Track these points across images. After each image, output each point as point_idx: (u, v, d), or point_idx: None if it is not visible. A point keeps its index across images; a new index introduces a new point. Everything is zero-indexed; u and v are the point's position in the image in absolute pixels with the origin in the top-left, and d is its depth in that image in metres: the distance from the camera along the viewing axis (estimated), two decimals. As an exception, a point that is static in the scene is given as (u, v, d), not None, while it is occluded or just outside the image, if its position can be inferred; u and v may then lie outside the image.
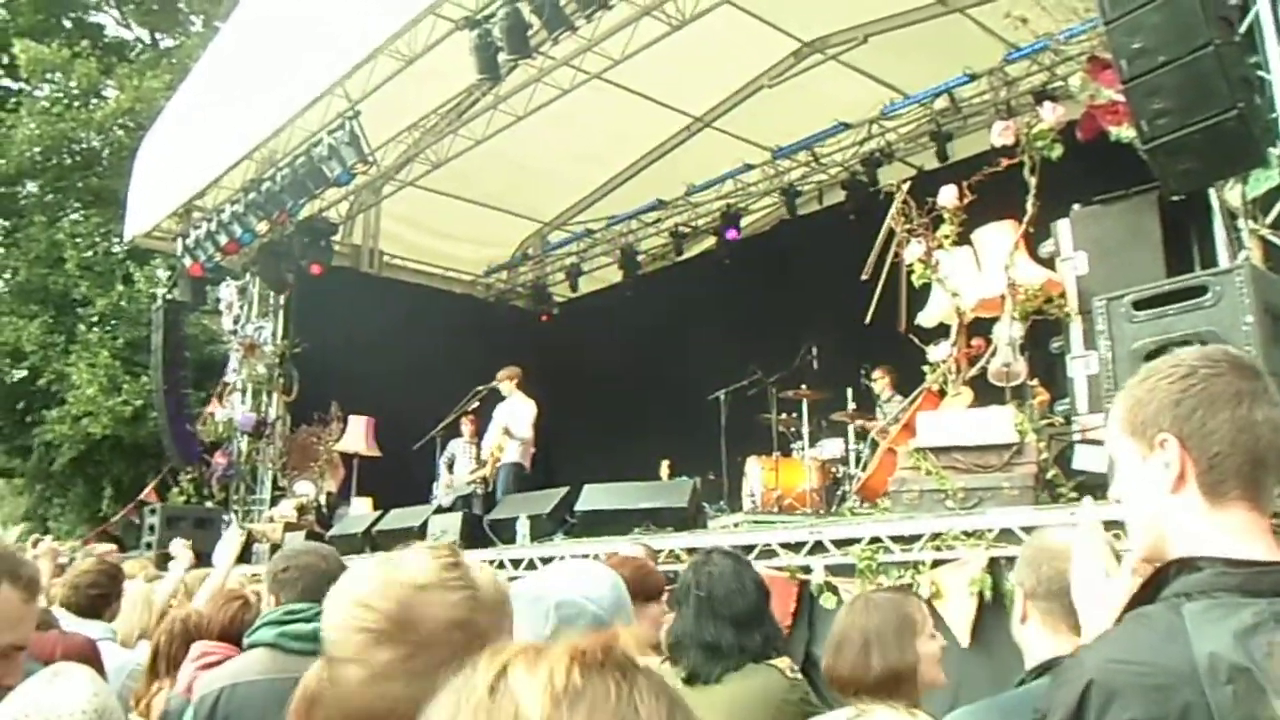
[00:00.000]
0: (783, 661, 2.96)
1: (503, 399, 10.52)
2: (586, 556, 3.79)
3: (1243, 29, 5.19)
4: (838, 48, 11.17)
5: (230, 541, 5.28)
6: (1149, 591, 1.38)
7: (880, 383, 9.39)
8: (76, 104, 19.75)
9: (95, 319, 18.33)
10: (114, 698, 1.93)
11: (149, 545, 10.67)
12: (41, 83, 20.09)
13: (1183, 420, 1.41)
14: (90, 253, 19.16)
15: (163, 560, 7.72)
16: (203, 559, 6.51)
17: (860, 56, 11.08)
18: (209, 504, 12.25)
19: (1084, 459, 5.12)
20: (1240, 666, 1.20)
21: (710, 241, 13.48)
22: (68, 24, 21.81)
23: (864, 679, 2.51)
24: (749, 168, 12.36)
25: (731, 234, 12.94)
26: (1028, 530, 4.28)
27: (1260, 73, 5.18)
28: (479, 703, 0.77)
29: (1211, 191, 5.43)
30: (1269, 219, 5.28)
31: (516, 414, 10.32)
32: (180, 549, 6.19)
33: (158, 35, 23.34)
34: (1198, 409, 1.40)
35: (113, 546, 9.89)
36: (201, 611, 3.74)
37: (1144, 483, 1.45)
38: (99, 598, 4.11)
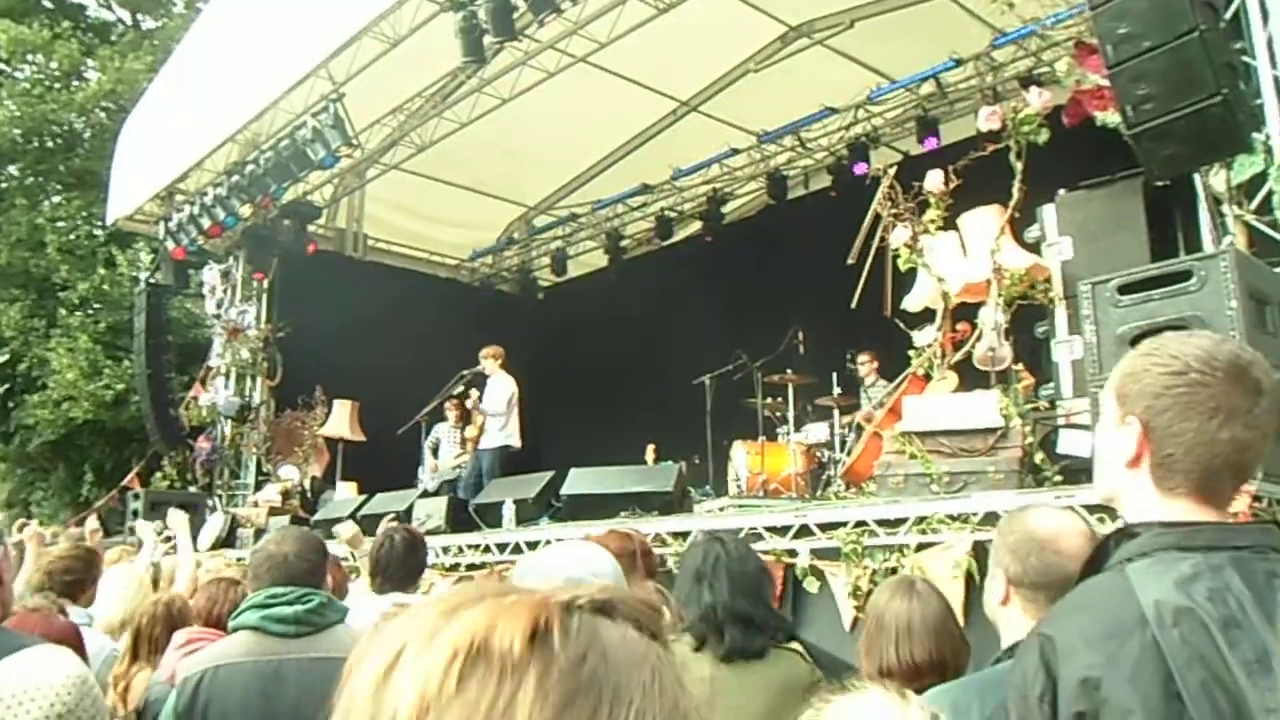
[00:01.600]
0: (797, 646, 2.90)
1: (486, 379, 10.48)
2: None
3: (1228, 15, 5.20)
4: (824, 32, 11.16)
5: (191, 523, 5.26)
6: (1093, 566, 1.48)
7: (865, 368, 9.39)
8: (57, 86, 19.54)
9: (76, 303, 18.17)
10: (94, 680, 1.91)
11: (132, 530, 10.62)
12: (21, 64, 19.88)
13: (1154, 414, 1.46)
14: (72, 236, 18.96)
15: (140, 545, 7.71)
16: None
17: (846, 41, 11.07)
18: (192, 489, 12.20)
19: (1068, 443, 5.14)
20: (1184, 608, 1.30)
21: (695, 225, 13.46)
22: (48, 4, 21.54)
23: (923, 665, 2.44)
24: (735, 152, 12.31)
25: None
26: (1012, 514, 4.29)
27: (1245, 58, 5.21)
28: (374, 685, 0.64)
29: (1196, 177, 5.46)
30: (1253, 204, 5.31)
31: (489, 391, 10.28)
32: (147, 532, 6.20)
33: (139, 16, 23.08)
34: (1169, 410, 1.45)
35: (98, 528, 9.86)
36: (184, 595, 3.73)
37: (1111, 443, 1.52)
38: (74, 583, 4.07)
